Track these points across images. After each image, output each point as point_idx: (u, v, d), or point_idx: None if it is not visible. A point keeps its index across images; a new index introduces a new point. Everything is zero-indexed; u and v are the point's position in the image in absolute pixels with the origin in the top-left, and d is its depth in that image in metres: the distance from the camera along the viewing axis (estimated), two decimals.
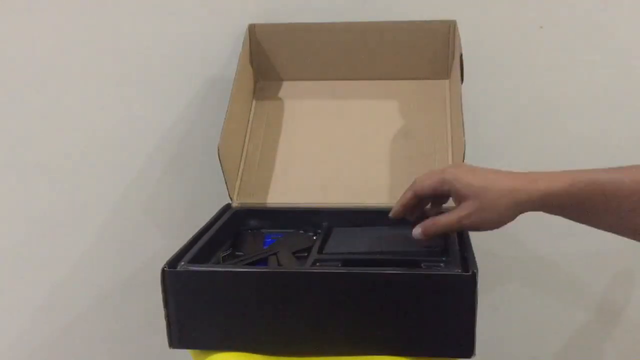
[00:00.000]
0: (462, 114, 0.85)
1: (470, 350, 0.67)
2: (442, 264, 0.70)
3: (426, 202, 0.75)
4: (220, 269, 0.72)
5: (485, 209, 0.65)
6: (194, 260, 0.71)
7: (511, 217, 0.65)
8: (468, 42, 0.96)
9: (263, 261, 0.78)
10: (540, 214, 0.67)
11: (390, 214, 0.74)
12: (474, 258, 0.69)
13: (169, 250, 0.73)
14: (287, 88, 1.05)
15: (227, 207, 0.91)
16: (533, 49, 1.05)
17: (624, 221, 0.64)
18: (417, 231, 0.71)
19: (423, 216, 0.73)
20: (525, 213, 0.67)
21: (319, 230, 0.85)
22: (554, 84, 1.06)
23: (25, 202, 1.10)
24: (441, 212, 0.70)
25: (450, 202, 0.72)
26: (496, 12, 1.04)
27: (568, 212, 0.67)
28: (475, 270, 0.65)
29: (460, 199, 0.67)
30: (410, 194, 0.71)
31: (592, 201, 0.63)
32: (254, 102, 1.03)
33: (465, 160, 0.82)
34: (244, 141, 0.98)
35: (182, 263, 0.70)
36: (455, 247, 0.73)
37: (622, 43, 1.04)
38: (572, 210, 0.66)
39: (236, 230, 0.87)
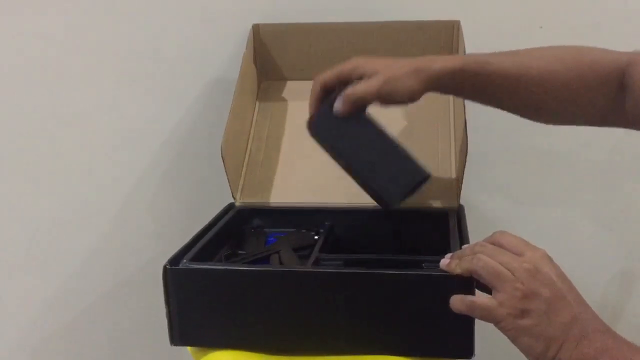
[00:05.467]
0: (464, 114, 0.85)
1: (470, 350, 0.67)
2: None
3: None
4: (221, 267, 0.72)
5: (395, 79, 0.71)
6: (195, 259, 0.71)
7: (417, 91, 0.72)
8: (469, 42, 0.96)
9: (265, 260, 0.78)
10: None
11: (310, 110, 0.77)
12: None
13: (172, 249, 0.73)
14: (291, 88, 1.05)
15: (230, 206, 0.91)
16: None
17: (517, 100, 0.74)
18: (338, 104, 0.73)
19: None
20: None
21: (321, 230, 0.86)
22: None
23: (29, 202, 1.11)
24: None
25: None
26: (497, 12, 1.04)
27: (465, 90, 0.76)
28: None
29: (370, 75, 0.72)
30: (318, 85, 0.76)
31: (482, 79, 0.72)
32: (257, 102, 1.04)
33: (468, 163, 0.83)
34: (248, 141, 0.99)
35: (184, 261, 0.70)
36: (456, 247, 0.73)
37: (621, 43, 1.04)
38: (467, 88, 0.74)
39: (239, 229, 0.88)
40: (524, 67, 0.72)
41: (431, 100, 0.99)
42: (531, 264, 0.59)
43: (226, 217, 0.86)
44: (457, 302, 0.63)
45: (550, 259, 0.61)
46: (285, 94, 1.04)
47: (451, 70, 0.71)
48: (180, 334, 0.71)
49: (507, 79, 0.72)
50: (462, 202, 0.89)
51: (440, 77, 0.72)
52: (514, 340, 0.60)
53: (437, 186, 0.89)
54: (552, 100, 0.73)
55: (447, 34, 1.01)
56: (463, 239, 0.77)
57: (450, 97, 1.00)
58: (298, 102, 1.03)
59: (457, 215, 0.85)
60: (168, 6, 1.05)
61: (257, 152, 0.97)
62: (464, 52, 0.95)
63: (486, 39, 1.04)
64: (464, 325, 0.66)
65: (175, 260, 0.70)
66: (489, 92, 0.74)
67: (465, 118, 0.85)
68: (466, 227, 0.81)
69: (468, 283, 0.63)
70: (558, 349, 0.58)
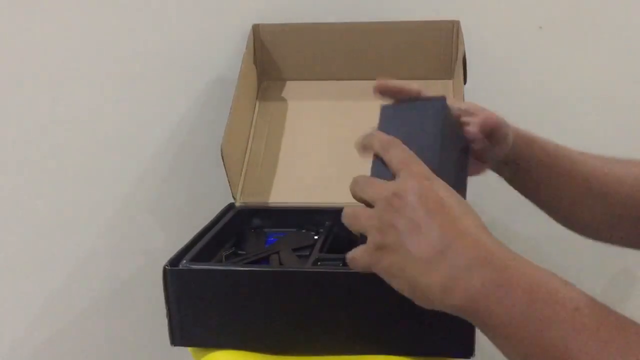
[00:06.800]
0: None
1: (470, 350, 0.67)
2: None
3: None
4: (221, 268, 0.72)
5: None
6: (195, 259, 0.71)
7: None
8: (469, 42, 0.97)
9: (265, 260, 0.78)
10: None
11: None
12: None
13: (173, 249, 0.73)
14: (291, 88, 1.05)
15: (231, 206, 0.91)
16: (535, 49, 1.05)
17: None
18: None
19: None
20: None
21: (321, 230, 0.86)
22: (556, 83, 1.06)
23: (29, 201, 1.11)
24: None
25: None
26: (497, 12, 1.04)
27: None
28: None
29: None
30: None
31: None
32: (257, 102, 1.04)
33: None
34: (248, 141, 0.99)
35: (184, 262, 0.70)
36: None
37: (621, 42, 1.04)
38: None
39: (239, 229, 0.88)
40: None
41: None
42: (391, 190, 0.50)
43: (226, 217, 0.86)
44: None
45: (423, 177, 0.50)
46: (285, 94, 1.04)
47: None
48: (180, 335, 0.71)
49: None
50: None
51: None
52: (389, 283, 0.50)
53: None
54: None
55: (446, 34, 1.00)
56: None
57: (451, 97, 1.00)
58: (298, 102, 1.03)
59: None
60: (168, 6, 1.05)
61: (257, 152, 0.97)
62: (464, 52, 0.95)
63: (486, 38, 1.04)
64: (464, 325, 0.66)
65: (175, 260, 0.70)
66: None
67: None
68: None
69: None
70: (425, 290, 0.48)
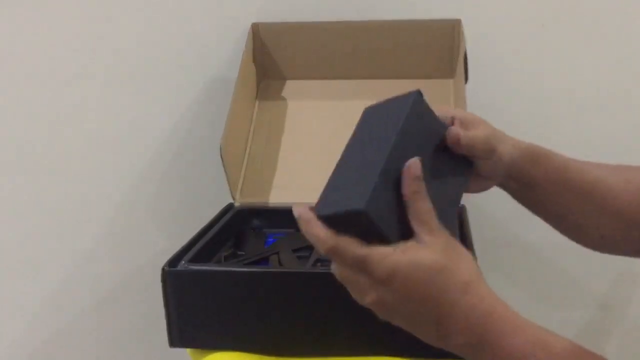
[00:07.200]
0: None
1: None
2: None
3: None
4: (219, 269, 0.72)
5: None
6: (194, 260, 0.71)
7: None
8: (470, 41, 0.96)
9: (264, 261, 0.78)
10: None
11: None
12: (475, 259, 0.68)
13: (172, 250, 0.73)
14: (291, 87, 1.05)
15: (230, 206, 0.91)
16: (538, 48, 1.04)
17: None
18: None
19: None
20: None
21: None
22: (557, 82, 1.06)
23: (28, 202, 1.10)
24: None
25: None
26: (499, 11, 1.04)
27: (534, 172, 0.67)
28: None
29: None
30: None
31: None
32: (256, 101, 1.03)
33: None
34: (247, 140, 0.98)
35: (183, 262, 0.69)
36: None
37: (623, 41, 1.03)
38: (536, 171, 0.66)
39: (238, 229, 0.87)
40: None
41: (432, 98, 0.99)
42: (372, 297, 0.54)
43: (225, 218, 0.86)
44: None
45: (381, 283, 0.52)
46: (284, 93, 1.04)
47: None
48: (179, 336, 0.70)
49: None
50: (463, 202, 0.88)
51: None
52: None
53: None
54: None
55: (447, 33, 1.00)
56: (465, 239, 0.77)
57: (452, 96, 0.99)
58: (298, 102, 1.02)
59: (459, 215, 0.85)
60: (167, 5, 1.05)
61: (256, 151, 0.97)
62: (465, 51, 0.94)
63: (487, 38, 1.03)
64: None
65: (174, 261, 0.70)
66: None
67: None
68: (468, 227, 0.81)
69: None
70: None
